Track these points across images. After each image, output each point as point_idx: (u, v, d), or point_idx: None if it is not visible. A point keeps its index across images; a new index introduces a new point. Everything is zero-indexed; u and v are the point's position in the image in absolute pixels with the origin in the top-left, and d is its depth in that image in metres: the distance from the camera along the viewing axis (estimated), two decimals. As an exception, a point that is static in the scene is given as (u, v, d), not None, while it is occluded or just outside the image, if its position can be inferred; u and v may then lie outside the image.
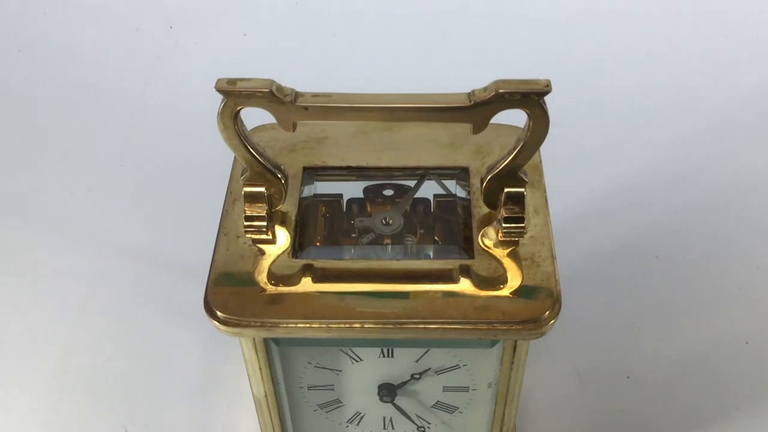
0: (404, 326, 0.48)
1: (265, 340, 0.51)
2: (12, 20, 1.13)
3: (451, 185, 0.56)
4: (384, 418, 0.60)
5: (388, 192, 0.56)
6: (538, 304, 0.48)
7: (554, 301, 0.48)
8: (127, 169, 0.97)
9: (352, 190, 0.58)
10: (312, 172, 0.56)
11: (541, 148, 0.50)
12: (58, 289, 0.85)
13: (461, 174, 0.55)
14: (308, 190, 0.55)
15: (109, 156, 0.99)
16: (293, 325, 0.48)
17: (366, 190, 0.56)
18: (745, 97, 1.04)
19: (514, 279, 0.49)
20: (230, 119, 0.47)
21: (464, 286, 0.49)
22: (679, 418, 0.74)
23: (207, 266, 0.77)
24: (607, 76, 1.07)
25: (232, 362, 0.79)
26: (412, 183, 0.57)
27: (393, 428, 0.61)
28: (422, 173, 0.56)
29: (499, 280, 0.49)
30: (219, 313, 0.48)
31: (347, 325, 0.48)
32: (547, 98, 0.46)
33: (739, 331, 0.80)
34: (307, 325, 0.48)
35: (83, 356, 0.80)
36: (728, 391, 0.76)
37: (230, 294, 0.49)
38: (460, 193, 0.55)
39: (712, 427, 0.74)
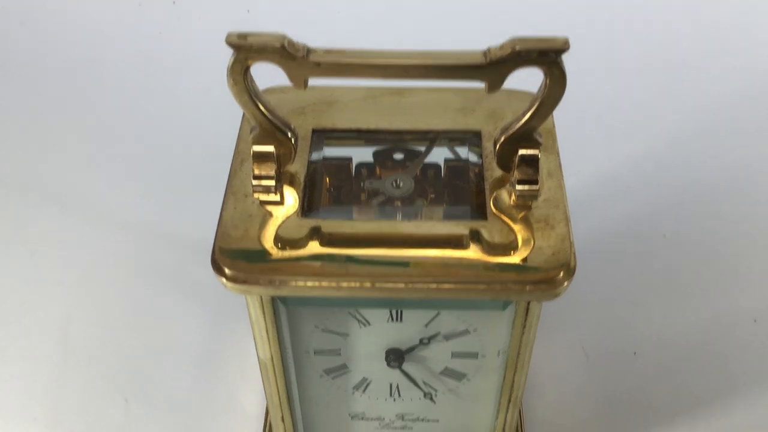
0: (416, 286, 0.47)
1: (273, 300, 0.50)
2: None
3: (463, 152, 0.55)
4: (391, 384, 0.59)
5: (399, 156, 0.56)
6: (553, 265, 0.47)
7: (569, 263, 0.47)
8: (130, 144, 0.97)
9: (361, 155, 0.57)
10: (321, 135, 0.55)
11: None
12: (60, 261, 0.84)
13: (473, 138, 0.55)
14: (317, 154, 0.54)
15: (112, 130, 0.98)
16: (302, 284, 0.47)
17: (376, 153, 0.56)
18: (753, 80, 1.03)
19: (528, 241, 0.48)
20: (240, 75, 0.47)
21: (477, 247, 0.48)
22: (686, 395, 0.74)
23: (210, 241, 0.78)
24: (618, 54, 1.06)
25: (236, 336, 0.79)
26: (423, 148, 0.56)
27: (399, 395, 0.60)
28: (433, 137, 0.55)
29: (513, 241, 0.48)
30: (227, 270, 0.47)
31: (358, 284, 0.47)
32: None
33: (747, 310, 0.80)
34: (317, 284, 0.47)
35: (84, 327, 0.79)
36: (736, 368, 0.76)
37: (238, 251, 0.48)
38: (472, 157, 0.54)
39: (720, 403, 0.73)
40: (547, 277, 0.47)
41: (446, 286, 0.47)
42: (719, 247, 0.85)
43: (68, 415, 0.73)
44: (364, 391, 0.60)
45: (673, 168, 0.92)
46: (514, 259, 0.48)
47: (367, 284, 0.47)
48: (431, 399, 0.60)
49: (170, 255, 0.85)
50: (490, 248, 0.48)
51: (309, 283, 0.47)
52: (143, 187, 0.91)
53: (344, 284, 0.47)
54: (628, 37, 1.09)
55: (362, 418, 0.63)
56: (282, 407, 0.59)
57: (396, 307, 0.51)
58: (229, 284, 0.48)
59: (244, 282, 0.47)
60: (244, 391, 0.75)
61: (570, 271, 0.47)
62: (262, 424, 0.72)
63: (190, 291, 0.82)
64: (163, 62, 1.07)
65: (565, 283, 0.47)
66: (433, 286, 0.47)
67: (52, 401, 0.74)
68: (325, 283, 0.47)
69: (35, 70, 1.05)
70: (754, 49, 1.06)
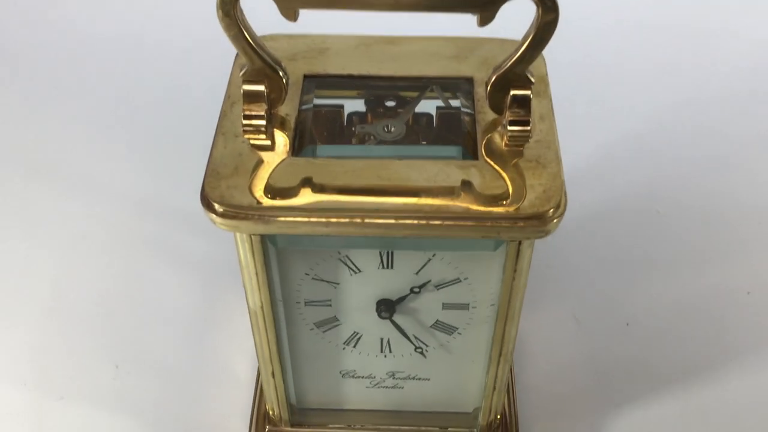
0: (406, 222, 0.46)
1: (263, 241, 0.50)
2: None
3: (455, 98, 0.55)
4: (382, 339, 0.59)
5: (390, 103, 0.55)
6: (543, 202, 0.47)
7: (559, 200, 0.47)
8: (122, 118, 0.97)
9: (353, 105, 0.57)
10: (312, 81, 0.55)
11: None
12: (52, 231, 0.84)
13: (465, 84, 0.54)
14: (308, 98, 0.54)
15: (105, 104, 0.98)
16: (292, 218, 0.46)
17: (367, 101, 0.55)
18: (748, 54, 1.04)
19: (519, 179, 0.48)
20: (231, 5, 0.46)
21: (468, 185, 0.48)
22: (679, 364, 0.74)
23: (198, 214, 0.78)
24: (610, 36, 1.06)
25: (226, 305, 0.78)
26: (415, 95, 0.56)
27: (390, 351, 0.59)
28: (425, 83, 0.55)
29: (504, 180, 0.48)
30: (216, 206, 0.47)
31: (348, 220, 0.46)
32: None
33: (740, 282, 0.80)
34: (306, 219, 0.46)
35: (75, 295, 0.79)
36: (729, 339, 0.75)
37: (227, 188, 0.47)
38: (464, 103, 0.54)
39: (712, 372, 0.73)
40: (538, 213, 0.46)
41: (436, 222, 0.46)
42: (712, 223, 0.85)
43: (58, 380, 0.72)
44: (355, 346, 0.59)
45: (666, 147, 0.92)
46: (505, 197, 0.47)
47: (357, 220, 0.46)
48: (422, 353, 0.59)
49: (161, 226, 0.84)
50: (482, 186, 0.48)
51: (299, 218, 0.47)
52: (135, 160, 0.92)
53: (334, 220, 0.47)
54: (621, 18, 1.09)
55: (353, 376, 0.62)
56: (272, 362, 0.58)
57: (387, 248, 0.51)
58: (219, 220, 0.47)
59: (233, 218, 0.47)
60: (235, 357, 0.74)
61: (561, 209, 0.47)
62: (253, 390, 0.71)
63: (181, 261, 0.81)
64: (154, 36, 1.07)
65: (556, 220, 0.47)
66: (423, 222, 0.46)
67: (42, 367, 0.73)
68: (314, 219, 0.47)
69: (30, 44, 1.06)
70: (745, 30, 1.07)
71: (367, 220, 0.47)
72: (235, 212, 0.47)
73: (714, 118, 0.95)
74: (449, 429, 0.65)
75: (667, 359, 0.73)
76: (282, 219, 0.47)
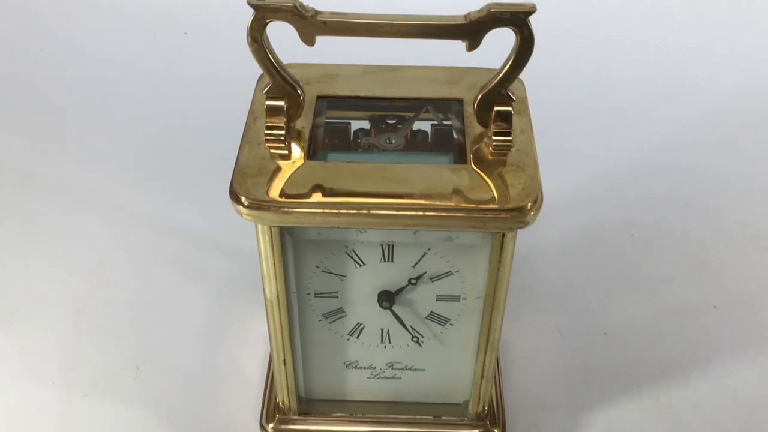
0: (405, 213, 0.54)
1: (281, 233, 0.57)
2: (37, 22, 1.22)
3: (448, 116, 0.64)
4: (382, 330, 0.66)
5: (391, 120, 0.64)
6: (523, 197, 0.55)
7: (536, 196, 0.55)
8: (143, 153, 1.05)
9: (359, 123, 0.65)
10: (324, 100, 0.63)
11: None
12: (77, 251, 0.91)
13: (456, 104, 0.63)
14: (320, 116, 0.63)
15: (126, 142, 1.07)
16: (307, 210, 0.54)
17: (372, 118, 0.64)
18: (718, 92, 1.14)
19: (502, 180, 0.56)
20: (258, 32, 0.55)
21: (458, 183, 0.56)
22: (651, 369, 0.81)
23: (214, 234, 0.90)
24: (586, 71, 1.17)
25: (237, 314, 0.85)
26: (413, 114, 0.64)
27: (390, 342, 0.67)
28: (422, 104, 0.63)
29: (489, 180, 0.56)
30: (243, 199, 0.55)
31: (355, 211, 0.54)
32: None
33: (707, 297, 0.87)
34: (320, 210, 0.54)
35: (100, 305, 0.86)
36: (696, 347, 0.83)
37: (252, 185, 0.55)
38: (455, 120, 0.63)
39: (680, 375, 0.80)
40: (518, 207, 0.55)
41: (431, 213, 0.54)
42: (682, 246, 0.93)
43: (84, 379, 0.79)
44: (358, 336, 0.67)
45: (643, 178, 1.01)
46: (491, 193, 0.55)
47: (364, 211, 0.55)
48: (418, 343, 0.66)
49: (181, 247, 0.92)
50: (470, 185, 0.56)
51: (313, 210, 0.55)
52: (158, 189, 1.00)
53: (344, 211, 0.55)
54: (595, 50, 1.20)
55: (356, 367, 0.69)
56: (285, 349, 0.66)
57: (388, 239, 0.59)
58: (244, 211, 0.55)
59: (257, 209, 0.55)
60: (245, 361, 0.81)
61: (538, 204, 0.55)
62: (262, 389, 0.78)
63: (198, 277, 0.89)
64: (173, 85, 1.16)
65: (533, 213, 0.55)
66: (420, 213, 0.54)
67: (69, 368, 0.80)
68: (327, 210, 0.55)
69: (56, 90, 1.14)
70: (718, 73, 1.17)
71: (372, 212, 0.55)
72: (259, 204, 0.55)
73: (681, 156, 1.04)
74: (443, 417, 0.72)
75: (640, 364, 0.81)
76: (298, 210, 0.55)
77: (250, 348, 0.82)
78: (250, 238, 0.74)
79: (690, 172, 1.02)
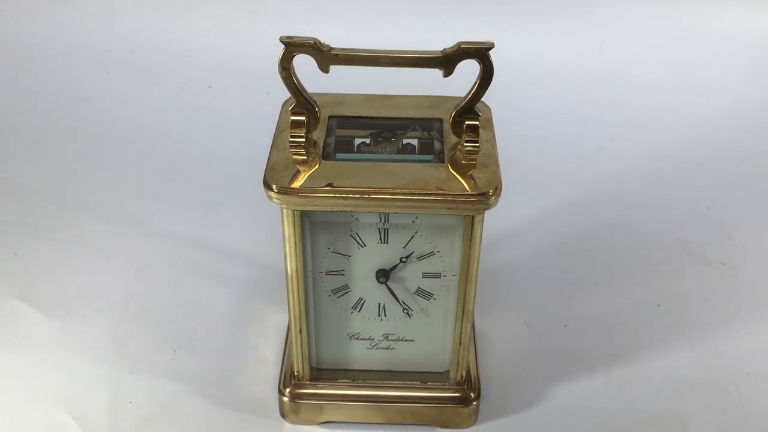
0: (397, 197, 0.71)
1: (302, 216, 0.74)
2: (83, 75, 1.42)
3: (430, 131, 0.81)
4: (379, 304, 0.82)
5: (387, 135, 0.81)
6: (486, 186, 0.72)
7: (497, 185, 0.72)
8: (174, 183, 1.23)
9: (361, 137, 0.83)
10: (334, 119, 0.81)
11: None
12: (121, 260, 1.08)
13: (437, 123, 0.81)
14: (332, 131, 0.81)
15: (160, 173, 1.24)
16: (322, 195, 0.72)
17: (371, 133, 0.81)
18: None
19: (471, 174, 0.73)
20: (287, 62, 0.73)
21: (438, 177, 0.73)
22: (603, 353, 0.96)
23: (238, 246, 1.10)
24: (544, 98, 1.37)
25: (257, 310, 1.01)
26: (403, 130, 0.82)
27: (386, 315, 0.83)
28: (410, 122, 0.81)
29: (461, 174, 0.73)
30: (273, 186, 0.72)
31: (359, 196, 0.72)
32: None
33: (651, 297, 1.04)
34: (332, 195, 0.72)
35: (139, 303, 1.02)
36: (641, 336, 0.99)
37: (280, 177, 0.73)
38: (436, 133, 0.80)
39: (628, 358, 0.95)
40: (483, 192, 0.72)
41: (417, 197, 0.72)
42: (632, 257, 1.10)
43: (128, 360, 0.94)
44: (360, 310, 0.83)
45: (602, 203, 1.19)
46: (461, 185, 0.73)
47: (366, 196, 0.72)
48: (408, 315, 0.82)
49: (209, 256, 1.09)
50: (447, 178, 0.73)
51: (327, 195, 0.72)
52: (187, 207, 1.17)
53: (350, 196, 0.72)
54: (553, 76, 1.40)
55: (357, 338, 0.85)
56: (301, 319, 0.82)
57: (384, 217, 0.75)
58: (275, 196, 0.72)
59: (285, 194, 0.72)
60: (264, 346, 0.96)
61: (498, 191, 0.72)
62: (279, 367, 0.93)
63: (225, 280, 1.05)
64: (199, 132, 1.35)
65: (494, 198, 0.72)
66: (408, 197, 0.72)
67: (117, 351, 0.95)
68: (337, 195, 0.72)
69: (97, 135, 1.33)
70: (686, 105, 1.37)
71: (372, 196, 0.72)
72: (286, 190, 0.72)
73: (639, 183, 1.22)
74: (428, 383, 0.88)
75: (594, 349, 0.96)
76: (315, 195, 0.72)
77: (267, 337, 0.98)
78: (268, 249, 0.96)
79: (640, 198, 1.20)
